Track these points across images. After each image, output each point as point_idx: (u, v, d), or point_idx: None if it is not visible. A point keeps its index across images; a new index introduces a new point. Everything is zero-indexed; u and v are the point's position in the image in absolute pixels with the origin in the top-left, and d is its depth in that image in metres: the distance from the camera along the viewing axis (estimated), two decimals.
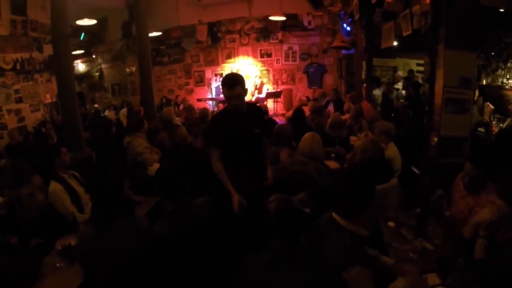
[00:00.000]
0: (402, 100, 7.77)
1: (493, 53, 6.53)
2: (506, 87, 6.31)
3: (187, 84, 13.50)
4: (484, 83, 6.91)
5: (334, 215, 2.07)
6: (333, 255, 1.93)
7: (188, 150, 4.50)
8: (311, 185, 3.17)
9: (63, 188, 3.61)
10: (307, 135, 3.69)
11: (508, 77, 6.29)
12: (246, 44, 12.79)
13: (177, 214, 2.52)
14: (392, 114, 7.44)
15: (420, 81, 8.37)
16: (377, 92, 9.20)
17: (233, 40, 12.82)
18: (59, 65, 5.35)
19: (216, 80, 13.09)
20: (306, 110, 6.56)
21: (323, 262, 1.95)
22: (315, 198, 2.96)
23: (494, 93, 6.49)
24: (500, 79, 6.46)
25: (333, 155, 4.67)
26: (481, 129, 6.08)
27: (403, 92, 8.05)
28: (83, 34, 12.12)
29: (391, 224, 2.92)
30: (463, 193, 2.94)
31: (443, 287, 2.17)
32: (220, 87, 11.09)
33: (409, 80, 7.94)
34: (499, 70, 6.48)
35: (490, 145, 5.52)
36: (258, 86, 12.15)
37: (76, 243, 2.87)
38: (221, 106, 11.51)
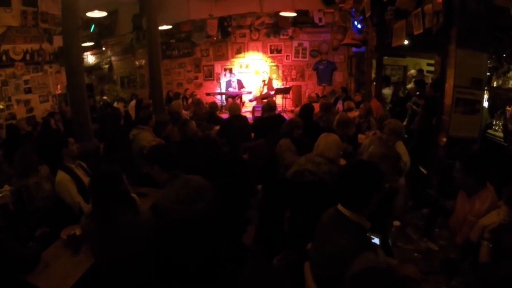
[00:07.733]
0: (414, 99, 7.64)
1: (504, 55, 6.41)
2: None
3: (196, 78, 13.55)
4: (495, 85, 6.81)
5: (340, 206, 2.07)
6: (340, 246, 1.94)
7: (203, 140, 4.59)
8: (320, 186, 3.18)
9: (69, 178, 3.63)
10: (328, 137, 3.64)
11: None
12: (256, 40, 12.77)
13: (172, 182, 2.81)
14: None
15: (430, 81, 8.25)
16: (387, 91, 9.11)
17: (243, 35, 12.81)
18: (69, 57, 5.35)
19: (225, 74, 13.10)
20: (316, 107, 6.49)
21: (331, 253, 1.99)
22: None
23: (505, 95, 6.40)
24: (511, 81, 6.36)
25: (340, 152, 4.64)
26: (491, 131, 5.99)
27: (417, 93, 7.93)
28: (93, 26, 12.19)
29: (396, 223, 2.89)
30: (465, 196, 2.89)
31: None
32: (232, 81, 10.99)
33: (423, 83, 7.87)
34: (510, 72, 6.37)
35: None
36: (266, 82, 12.14)
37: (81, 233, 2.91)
38: (230, 100, 11.51)
